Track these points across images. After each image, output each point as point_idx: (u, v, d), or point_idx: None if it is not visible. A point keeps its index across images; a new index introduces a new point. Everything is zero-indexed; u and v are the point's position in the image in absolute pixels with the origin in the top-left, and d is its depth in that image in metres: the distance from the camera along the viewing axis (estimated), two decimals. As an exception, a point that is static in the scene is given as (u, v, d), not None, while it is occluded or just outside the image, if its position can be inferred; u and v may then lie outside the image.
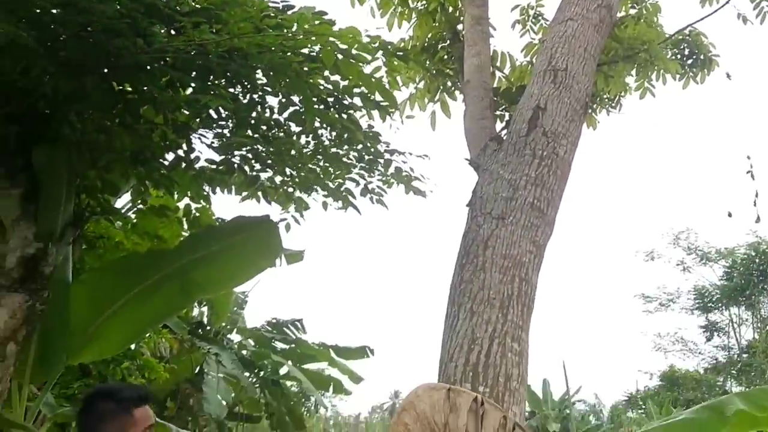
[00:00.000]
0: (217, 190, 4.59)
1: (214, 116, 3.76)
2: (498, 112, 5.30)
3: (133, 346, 5.64)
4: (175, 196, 4.67)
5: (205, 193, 4.47)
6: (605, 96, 6.20)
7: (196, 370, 10.00)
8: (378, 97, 3.94)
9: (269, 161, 4.10)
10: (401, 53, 3.83)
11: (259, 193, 4.59)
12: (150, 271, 3.67)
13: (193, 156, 3.91)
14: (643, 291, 32.52)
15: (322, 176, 4.25)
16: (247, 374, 10.50)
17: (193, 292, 3.85)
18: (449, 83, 5.81)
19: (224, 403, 8.82)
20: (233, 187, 4.64)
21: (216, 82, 3.47)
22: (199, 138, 3.91)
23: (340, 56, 3.22)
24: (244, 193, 4.65)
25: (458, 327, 3.47)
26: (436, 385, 2.43)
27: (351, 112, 3.85)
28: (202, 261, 3.73)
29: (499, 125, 4.82)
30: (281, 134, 3.98)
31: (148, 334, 5.60)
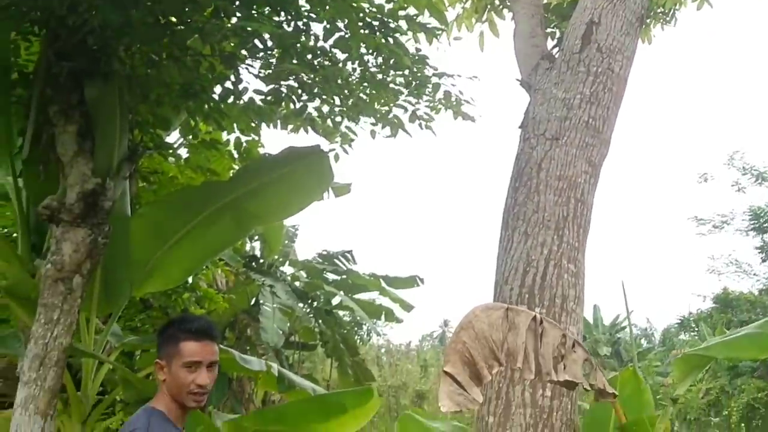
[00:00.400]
0: (264, 126, 4.61)
1: (260, 46, 3.73)
2: (549, 30, 5.12)
3: (191, 279, 5.80)
4: (225, 132, 4.73)
5: (254, 125, 4.48)
6: (660, 10, 5.94)
7: (252, 302, 10.26)
8: (424, 18, 3.84)
9: (316, 90, 4.07)
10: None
11: (308, 127, 4.60)
12: (205, 203, 3.73)
13: (241, 87, 3.90)
14: (697, 213, 31.81)
15: (369, 103, 4.20)
16: (301, 305, 10.73)
17: (247, 222, 3.90)
18: (497, 1, 5.62)
19: (280, 332, 9.05)
20: (279, 121, 4.64)
21: (260, 9, 3.42)
22: (246, 68, 3.90)
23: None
24: (291, 127, 4.67)
25: (513, 250, 3.46)
26: (494, 304, 2.42)
27: (397, 35, 3.77)
28: (255, 192, 3.76)
29: (550, 43, 4.66)
30: (327, 62, 3.93)
31: (205, 267, 5.75)
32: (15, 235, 4.18)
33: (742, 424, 23.38)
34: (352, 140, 4.83)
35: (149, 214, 3.77)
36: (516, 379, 3.15)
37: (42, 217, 3.30)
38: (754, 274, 31.02)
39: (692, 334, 30.16)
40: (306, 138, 4.64)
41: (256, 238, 11.87)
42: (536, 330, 2.40)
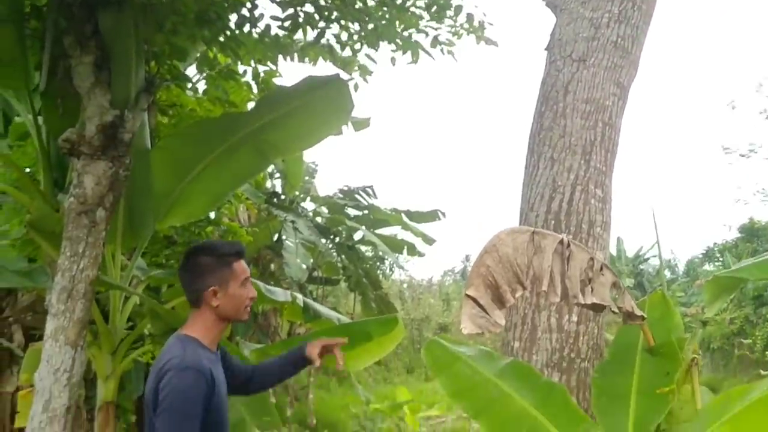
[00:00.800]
0: (281, 60, 4.52)
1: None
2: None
3: (214, 213, 5.82)
4: (241, 65, 4.65)
5: (271, 54, 4.39)
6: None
7: (275, 238, 10.33)
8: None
9: (334, 16, 3.96)
10: None
11: (326, 57, 4.50)
12: (225, 134, 3.68)
13: (257, 14, 3.79)
14: (724, 142, 31.22)
15: (388, 27, 4.07)
16: (323, 240, 10.78)
17: (268, 153, 3.86)
18: None
19: (304, 267, 9.11)
20: (296, 54, 4.55)
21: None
22: (262, -6, 3.80)
23: None
24: (308, 59, 4.57)
25: (538, 176, 3.40)
26: (520, 228, 2.38)
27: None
28: (275, 122, 3.70)
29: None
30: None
31: (228, 201, 5.76)
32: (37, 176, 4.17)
33: (766, 352, 23.48)
34: (371, 72, 4.73)
35: (169, 146, 3.73)
36: (542, 305, 3.14)
37: (62, 151, 3.29)
38: (782, 203, 30.64)
39: (717, 264, 29.98)
40: (324, 70, 4.56)
41: (277, 175, 11.88)
42: (563, 253, 2.37)
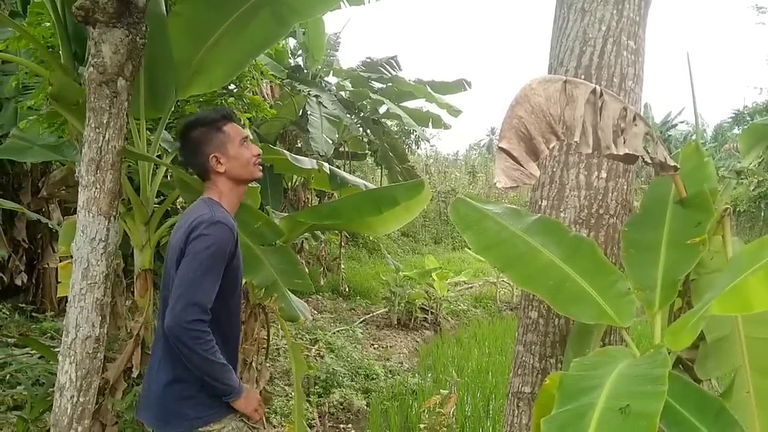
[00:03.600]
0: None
1: None
2: None
3: (236, 87, 5.73)
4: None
5: None
6: None
7: (300, 113, 10.26)
8: None
9: None
10: None
11: None
12: (241, -2, 3.56)
13: None
14: (757, 1, 29.69)
15: None
16: (348, 114, 10.69)
17: (287, 17, 3.71)
18: None
19: (330, 141, 9.09)
20: None
21: None
22: None
23: None
24: None
25: (568, 29, 3.25)
26: (551, 77, 2.28)
27: None
28: (292, -18, 3.56)
29: None
30: None
31: (251, 74, 5.66)
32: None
33: (795, 216, 23.42)
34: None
35: (184, 12, 3.60)
36: (570, 162, 3.09)
37: (77, 19, 3.20)
38: (815, 63, 29.39)
39: (751, 123, 29.34)
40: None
41: (299, 50, 11.64)
42: (595, 103, 2.29)
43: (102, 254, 3.22)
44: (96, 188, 3.19)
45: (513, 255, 2.57)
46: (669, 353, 2.29)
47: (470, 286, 14.31)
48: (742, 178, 2.72)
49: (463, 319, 11.84)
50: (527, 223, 2.69)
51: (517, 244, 2.60)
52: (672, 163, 2.40)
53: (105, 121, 3.19)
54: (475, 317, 12.04)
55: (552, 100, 2.21)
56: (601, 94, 2.29)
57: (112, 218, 3.25)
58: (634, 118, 2.35)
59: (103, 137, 3.18)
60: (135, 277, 3.94)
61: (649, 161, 2.37)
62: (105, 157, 3.19)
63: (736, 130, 32.23)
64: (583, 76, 3.12)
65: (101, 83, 3.17)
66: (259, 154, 2.61)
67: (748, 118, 29.27)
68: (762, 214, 25.44)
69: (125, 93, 3.25)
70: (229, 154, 2.52)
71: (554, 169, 3.14)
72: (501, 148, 2.13)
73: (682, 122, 33.59)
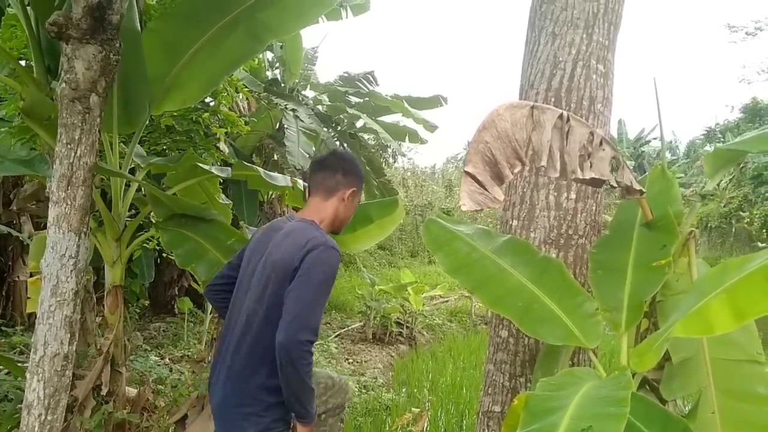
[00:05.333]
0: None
1: None
2: None
3: (213, 102, 5.73)
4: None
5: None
6: None
7: (276, 127, 10.26)
8: None
9: None
10: None
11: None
12: (216, 14, 3.55)
13: None
14: (729, 20, 30.35)
15: None
16: (325, 128, 10.70)
17: (261, 34, 3.73)
18: None
19: (306, 155, 9.10)
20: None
21: None
22: None
23: None
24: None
25: (539, 52, 3.31)
26: (519, 103, 2.33)
27: None
28: (267, 0, 3.57)
29: None
30: None
31: (225, 90, 5.66)
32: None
33: (763, 230, 23.85)
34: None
35: (159, 28, 3.61)
36: (540, 183, 3.14)
37: (50, 35, 3.19)
38: (786, 82, 30.15)
39: (718, 144, 29.93)
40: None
41: (276, 64, 11.65)
42: (562, 128, 2.33)
43: (72, 271, 3.20)
44: (67, 204, 3.17)
45: (483, 276, 2.60)
46: (634, 374, 2.34)
47: (446, 299, 14.36)
48: (706, 202, 2.77)
49: (438, 333, 11.86)
50: (497, 244, 2.73)
51: (487, 266, 2.63)
52: (638, 187, 2.45)
53: (77, 137, 3.17)
54: (450, 331, 12.07)
55: (518, 125, 2.24)
56: (568, 119, 2.33)
57: (82, 235, 3.22)
58: (601, 143, 2.40)
59: (75, 153, 3.16)
60: (105, 294, 3.90)
61: (616, 185, 2.41)
62: (76, 174, 3.17)
63: (708, 147, 32.80)
64: (553, 99, 3.17)
65: (73, 99, 3.16)
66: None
67: (720, 136, 29.83)
68: (732, 230, 25.88)
69: (98, 109, 3.24)
70: (353, 202, 2.79)
71: (525, 190, 3.18)
72: (467, 172, 2.17)
73: (655, 138, 34.11)
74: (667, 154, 35.60)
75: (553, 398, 1.95)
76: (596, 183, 2.38)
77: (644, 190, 2.51)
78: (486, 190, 2.16)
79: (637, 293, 2.47)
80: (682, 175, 28.61)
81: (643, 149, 32.30)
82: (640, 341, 2.71)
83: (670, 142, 38.21)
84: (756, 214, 23.88)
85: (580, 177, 2.32)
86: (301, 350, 2.30)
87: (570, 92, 3.17)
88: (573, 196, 3.09)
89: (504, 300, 2.51)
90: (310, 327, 2.33)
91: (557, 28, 3.25)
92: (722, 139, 28.32)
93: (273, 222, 2.85)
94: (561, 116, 2.34)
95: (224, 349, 2.67)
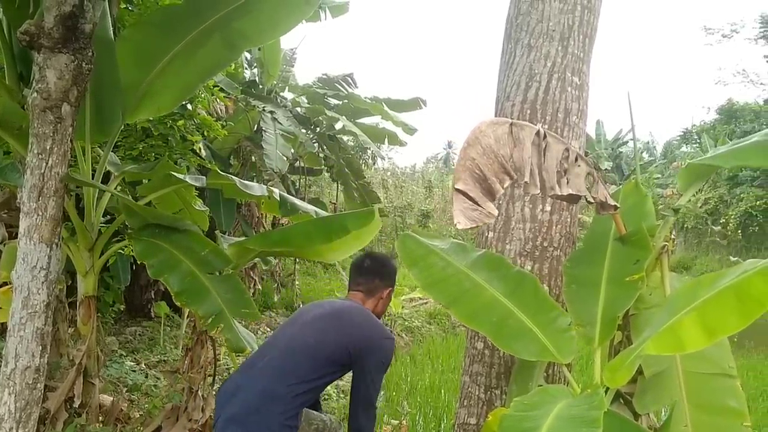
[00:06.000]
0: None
1: None
2: None
3: (189, 106, 5.68)
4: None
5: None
6: None
7: (254, 129, 10.19)
8: None
9: None
10: None
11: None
12: (191, 22, 3.52)
13: None
14: (706, 22, 30.78)
15: None
16: (303, 130, 10.65)
17: (237, 43, 3.70)
18: None
19: (284, 158, 9.04)
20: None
21: None
22: None
23: None
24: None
25: (515, 64, 3.31)
26: (499, 120, 2.33)
27: None
28: (244, 8, 3.52)
29: None
30: None
31: (201, 94, 5.61)
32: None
33: (739, 231, 24.19)
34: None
35: (133, 37, 3.57)
36: (516, 195, 3.14)
37: (22, 44, 3.14)
38: (761, 84, 30.69)
39: (694, 146, 30.33)
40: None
41: (254, 65, 11.58)
42: (540, 145, 2.34)
43: (43, 282, 3.16)
44: (38, 215, 3.13)
45: (458, 291, 2.60)
46: (608, 390, 2.35)
47: (425, 301, 14.35)
48: (678, 216, 2.80)
49: (417, 336, 11.85)
50: (472, 259, 2.73)
51: (462, 281, 2.63)
52: (612, 202, 2.46)
53: (48, 147, 3.13)
54: (429, 333, 12.07)
55: (501, 141, 2.25)
56: (545, 136, 2.34)
57: (54, 246, 3.18)
58: (576, 159, 2.41)
59: (46, 163, 3.12)
60: (78, 304, 3.85)
61: (592, 200, 2.42)
62: (47, 184, 3.13)
63: (684, 148, 33.18)
64: (528, 111, 3.18)
65: (45, 109, 3.12)
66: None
67: (696, 137, 30.17)
68: (708, 230, 26.21)
69: (70, 118, 3.20)
70: (390, 297, 3.27)
71: (501, 202, 3.19)
72: (457, 189, 2.16)
73: (633, 139, 34.44)
74: (645, 155, 35.98)
75: (527, 418, 1.96)
76: (573, 199, 2.39)
77: (618, 206, 2.52)
78: (479, 206, 2.16)
79: (611, 308, 2.48)
80: (660, 175, 28.92)
81: (621, 150, 32.58)
82: (614, 354, 2.73)
83: (648, 142, 38.61)
84: (731, 215, 24.21)
85: (558, 193, 2.32)
86: (371, 427, 2.86)
87: (545, 104, 3.18)
88: (548, 208, 3.09)
89: (479, 315, 2.52)
90: (376, 397, 2.89)
91: (533, 40, 3.26)
92: (698, 140, 28.66)
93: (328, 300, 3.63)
94: (538, 133, 2.35)
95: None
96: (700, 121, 32.12)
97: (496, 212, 2.17)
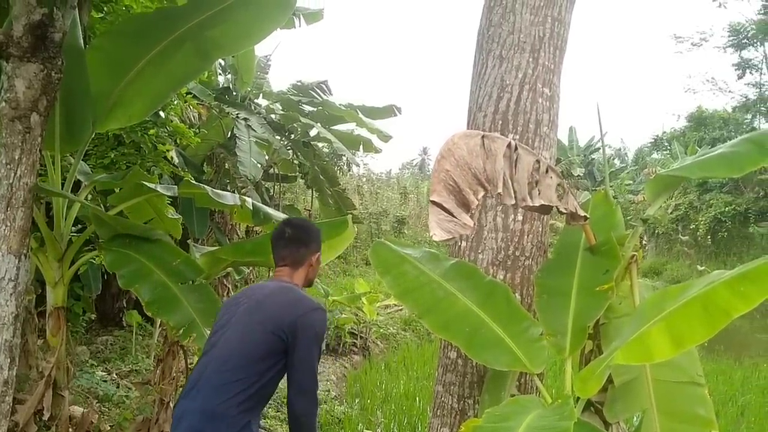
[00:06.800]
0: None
1: None
2: None
3: (162, 114, 5.64)
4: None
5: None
6: None
7: (228, 136, 10.13)
8: None
9: None
10: None
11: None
12: (163, 31, 3.49)
13: None
14: (675, 31, 31.35)
15: None
16: (278, 137, 10.61)
17: (209, 52, 3.68)
18: None
19: (258, 165, 9.00)
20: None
21: None
22: None
23: None
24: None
25: (487, 75, 3.34)
26: (471, 132, 2.36)
27: None
28: (216, 16, 3.50)
29: None
30: None
31: (174, 101, 5.57)
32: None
33: (708, 237, 24.58)
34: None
35: (104, 46, 3.53)
36: (488, 205, 3.16)
37: (-12, 52, 3.10)
38: (729, 92, 31.38)
39: (665, 152, 30.84)
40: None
41: (228, 71, 11.52)
42: (511, 156, 2.36)
43: (11, 294, 3.11)
44: (6, 226, 3.09)
45: (431, 301, 2.61)
46: (578, 399, 2.38)
47: (400, 308, 14.36)
48: (647, 225, 2.84)
49: (392, 343, 11.87)
50: (445, 268, 2.74)
51: (435, 290, 2.64)
52: (582, 213, 2.49)
53: (17, 158, 3.09)
54: (404, 340, 12.08)
55: (474, 153, 2.27)
56: (516, 148, 2.36)
57: (22, 257, 3.14)
58: (547, 170, 2.44)
59: (15, 174, 3.08)
60: (47, 316, 3.80)
61: (564, 211, 2.45)
62: (16, 195, 3.09)
63: (655, 155, 33.65)
64: (500, 122, 3.21)
65: (13, 119, 3.08)
66: None
67: (666, 143, 30.62)
68: (679, 236, 26.59)
69: (39, 128, 3.16)
70: (319, 260, 3.06)
71: (473, 211, 3.20)
72: (433, 202, 2.17)
73: (605, 145, 34.84)
74: (616, 162, 36.41)
75: (499, 429, 1.97)
76: (545, 210, 2.41)
77: (588, 216, 2.56)
78: (454, 217, 2.18)
79: (581, 318, 2.51)
80: (631, 181, 29.26)
81: (593, 156, 32.92)
82: (585, 363, 2.75)
83: (619, 149, 39.09)
84: (701, 221, 24.60)
85: (530, 204, 2.35)
86: (313, 414, 2.69)
87: (517, 115, 3.21)
88: (520, 217, 3.12)
89: (451, 326, 2.53)
90: (313, 378, 2.65)
91: (504, 52, 3.29)
92: (669, 147, 29.09)
93: (251, 286, 3.10)
94: (509, 145, 2.37)
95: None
96: (670, 128, 32.62)
97: (471, 223, 2.19)
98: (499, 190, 2.27)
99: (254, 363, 2.60)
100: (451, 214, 2.14)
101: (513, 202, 2.30)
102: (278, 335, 2.61)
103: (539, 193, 2.39)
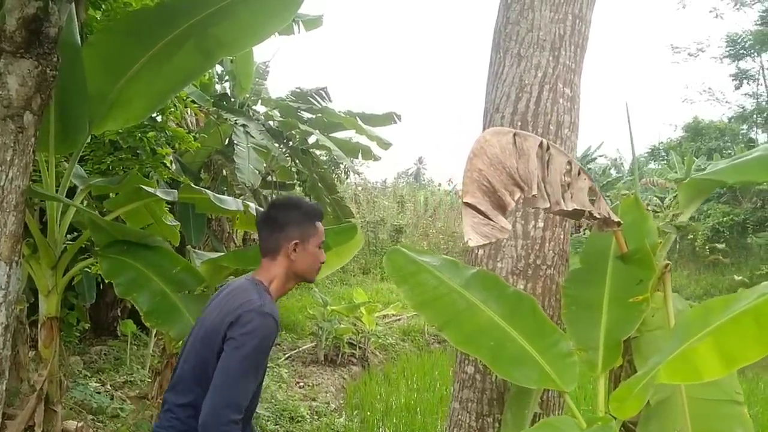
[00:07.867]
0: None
1: None
2: None
3: (160, 118, 5.47)
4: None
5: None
6: None
7: (226, 142, 9.98)
8: None
9: None
10: None
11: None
12: (164, 28, 3.33)
13: None
14: (673, 41, 31.40)
15: None
16: (276, 144, 10.46)
17: (212, 50, 3.51)
18: None
19: (257, 172, 8.83)
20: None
21: None
22: None
23: None
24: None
25: (504, 74, 3.18)
26: (502, 129, 2.18)
27: None
28: (219, 14, 3.34)
29: None
30: None
31: (174, 105, 5.40)
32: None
33: (706, 247, 24.46)
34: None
35: (102, 42, 3.37)
36: (508, 211, 3.00)
37: (-19, 47, 2.93)
38: (726, 102, 31.30)
39: (662, 162, 30.74)
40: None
41: (226, 77, 11.38)
42: (543, 157, 2.19)
43: (1, 304, 2.94)
44: (-4, 232, 2.91)
45: (452, 312, 2.43)
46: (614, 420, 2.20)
47: (399, 318, 14.17)
48: (681, 233, 2.68)
49: (391, 353, 11.67)
50: (466, 277, 2.57)
51: (456, 301, 2.46)
52: (615, 218, 2.33)
53: (9, 159, 2.92)
54: (403, 351, 11.89)
55: (507, 151, 2.10)
56: (548, 148, 2.20)
57: (13, 264, 2.96)
58: (579, 172, 2.27)
59: (6, 176, 2.91)
60: (39, 326, 3.61)
61: (597, 216, 2.28)
62: (7, 198, 2.92)
63: (652, 165, 33.57)
64: (519, 123, 3.05)
65: (5, 117, 2.91)
66: (323, 262, 2.55)
67: (663, 154, 30.55)
68: (677, 246, 26.49)
69: (32, 128, 2.99)
70: (307, 249, 2.44)
71: (491, 217, 3.04)
72: (466, 203, 1.99)
73: (601, 156, 34.74)
74: (612, 172, 36.33)
75: (536, 455, 1.80)
76: (577, 214, 2.25)
77: (621, 222, 2.39)
78: (490, 220, 2.00)
79: (614, 332, 2.35)
80: (627, 192, 29.16)
81: (590, 166, 32.84)
82: (614, 380, 2.58)
83: (616, 159, 39.02)
84: (699, 230, 24.49)
85: (564, 208, 2.18)
86: (217, 421, 2.08)
87: (537, 116, 3.05)
88: (541, 224, 2.96)
89: (474, 339, 2.36)
90: (235, 404, 2.11)
91: (523, 50, 3.14)
92: (666, 157, 29.03)
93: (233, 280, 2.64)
94: (541, 144, 2.20)
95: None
96: (667, 138, 32.60)
97: (509, 227, 2.01)
98: (534, 191, 2.10)
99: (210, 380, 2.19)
100: (486, 216, 1.96)
101: (547, 205, 2.13)
102: (222, 348, 2.21)
103: (572, 197, 2.23)
